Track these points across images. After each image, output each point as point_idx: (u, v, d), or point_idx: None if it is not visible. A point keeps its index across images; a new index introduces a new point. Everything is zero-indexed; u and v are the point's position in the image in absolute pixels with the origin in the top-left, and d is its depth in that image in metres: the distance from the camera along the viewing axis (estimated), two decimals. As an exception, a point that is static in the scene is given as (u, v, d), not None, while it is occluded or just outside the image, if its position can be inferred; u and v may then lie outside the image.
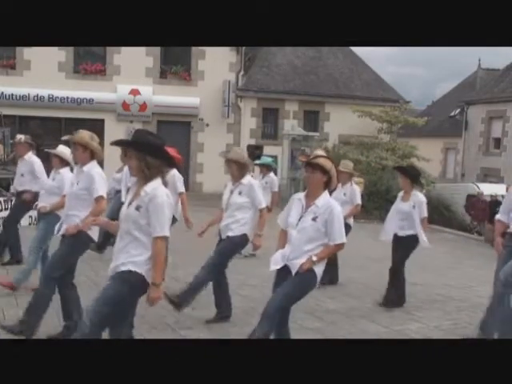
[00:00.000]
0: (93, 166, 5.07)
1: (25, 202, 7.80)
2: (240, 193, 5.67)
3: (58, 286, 5.19)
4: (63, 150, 6.48)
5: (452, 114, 26.80)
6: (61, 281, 5.14)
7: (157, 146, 3.65)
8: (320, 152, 4.71)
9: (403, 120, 20.50)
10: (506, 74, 25.12)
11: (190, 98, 18.97)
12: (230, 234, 5.67)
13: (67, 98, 18.02)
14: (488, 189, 17.45)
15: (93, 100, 18.23)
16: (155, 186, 3.58)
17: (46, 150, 6.68)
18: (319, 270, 4.37)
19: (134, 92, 18.51)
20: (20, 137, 7.94)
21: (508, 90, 23.65)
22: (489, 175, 23.82)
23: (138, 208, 3.56)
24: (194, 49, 18.88)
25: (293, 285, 4.33)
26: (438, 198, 16.64)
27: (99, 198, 4.99)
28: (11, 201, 8.38)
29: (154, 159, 3.58)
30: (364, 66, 22.37)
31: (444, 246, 11.83)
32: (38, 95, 17.76)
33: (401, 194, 6.95)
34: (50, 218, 6.17)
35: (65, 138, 5.27)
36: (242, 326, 5.67)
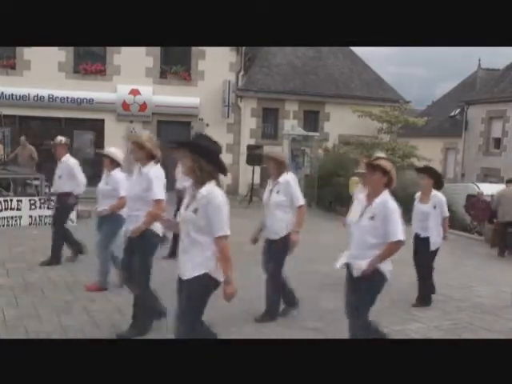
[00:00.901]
0: (151, 168, 5.19)
1: (69, 205, 8.05)
2: (278, 191, 5.73)
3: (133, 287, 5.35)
4: (114, 151, 6.71)
5: (452, 114, 26.81)
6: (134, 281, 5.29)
7: (212, 152, 3.81)
8: (380, 154, 4.92)
9: (403, 120, 20.49)
10: (506, 74, 25.12)
11: (190, 98, 18.96)
12: (276, 237, 5.76)
13: (67, 98, 18.00)
14: (488, 189, 17.42)
15: (93, 100, 18.22)
16: (210, 188, 3.74)
17: (98, 151, 6.93)
18: (385, 267, 4.45)
19: (134, 92, 18.50)
20: (60, 138, 8.11)
21: (508, 90, 23.65)
22: (489, 175, 23.81)
23: (195, 211, 3.74)
24: (194, 49, 18.87)
25: (362, 292, 4.49)
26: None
27: (157, 201, 5.13)
28: (50, 201, 8.45)
29: (207, 163, 3.73)
30: (364, 66, 22.36)
31: (444, 246, 11.79)
32: (37, 95, 17.74)
33: (418, 194, 6.99)
34: (111, 219, 6.47)
35: (124, 136, 5.41)
36: (242, 325, 5.67)
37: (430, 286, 7.08)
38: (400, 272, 8.24)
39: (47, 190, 13.13)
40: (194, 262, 3.77)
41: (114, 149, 6.85)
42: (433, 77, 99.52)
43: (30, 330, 5.29)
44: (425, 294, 6.98)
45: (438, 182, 6.86)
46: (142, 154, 5.16)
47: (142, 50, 18.09)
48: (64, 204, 7.96)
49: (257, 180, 17.44)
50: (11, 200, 11.31)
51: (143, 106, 18.64)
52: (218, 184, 3.80)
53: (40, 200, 11.53)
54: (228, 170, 4.00)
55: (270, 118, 20.54)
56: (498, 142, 24.27)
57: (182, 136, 18.42)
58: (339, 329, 5.82)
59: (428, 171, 6.98)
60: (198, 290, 3.82)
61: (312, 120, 20.79)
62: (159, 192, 5.15)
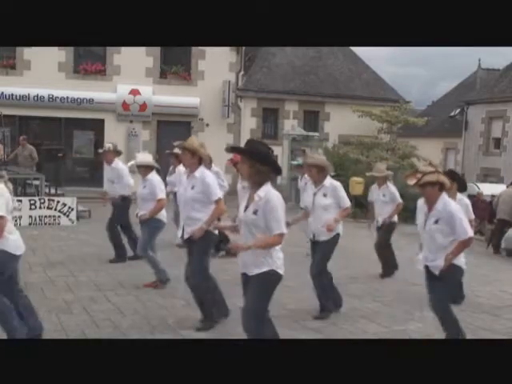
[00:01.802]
0: (204, 171, 5.45)
1: (121, 205, 8.26)
2: (325, 195, 5.99)
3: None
4: (143, 158, 7.05)
5: (452, 114, 26.76)
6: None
7: (265, 155, 4.06)
8: (424, 168, 5.24)
9: (403, 120, 20.48)
10: (506, 74, 25.10)
11: (190, 98, 18.96)
12: (325, 238, 5.98)
13: (67, 97, 18.00)
14: (488, 189, 17.42)
15: (93, 100, 18.22)
16: (267, 189, 3.98)
17: (132, 163, 7.18)
18: (459, 261, 4.95)
19: (134, 92, 18.50)
20: (109, 145, 8.38)
21: (508, 90, 23.63)
22: (489, 175, 23.79)
23: (255, 212, 3.97)
24: (194, 49, 18.86)
25: (444, 288, 4.94)
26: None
27: (218, 201, 5.40)
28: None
29: (262, 166, 3.97)
30: (364, 66, 22.35)
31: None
32: (38, 95, 17.74)
33: None
34: (151, 222, 6.80)
35: (176, 143, 5.64)
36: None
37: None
38: (400, 272, 8.27)
39: (47, 190, 13.18)
40: (259, 260, 3.99)
41: (142, 154, 7.25)
42: (433, 77, 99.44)
43: (30, 330, 5.28)
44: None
45: (461, 185, 6.91)
46: (194, 160, 5.38)
47: (142, 49, 18.08)
48: (115, 206, 8.29)
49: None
50: (11, 200, 11.30)
51: (143, 106, 18.64)
52: (274, 184, 4.05)
53: (40, 200, 11.53)
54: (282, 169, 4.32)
55: (269, 117, 20.54)
56: (498, 142, 24.25)
57: (182, 136, 18.42)
58: (339, 329, 5.83)
59: (450, 176, 6.98)
60: (264, 286, 4.04)
61: (312, 120, 20.79)
62: (218, 191, 5.43)
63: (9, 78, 17.63)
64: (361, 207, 13.98)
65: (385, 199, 8.09)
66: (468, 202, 7.10)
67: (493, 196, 15.54)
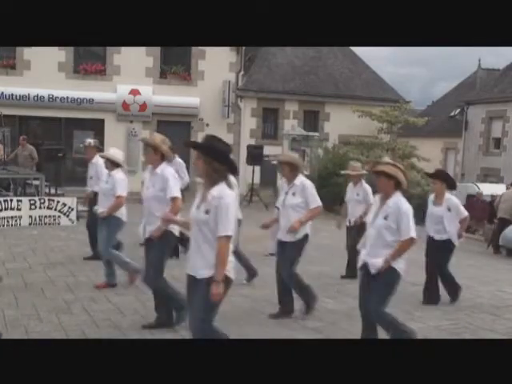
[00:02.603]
0: (165, 167, 5.32)
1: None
2: (294, 194, 5.83)
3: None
4: (114, 153, 6.89)
5: (452, 114, 26.78)
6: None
7: (224, 152, 3.89)
8: (386, 159, 5.17)
9: (403, 120, 20.48)
10: (506, 74, 25.11)
11: (190, 98, 18.96)
12: (292, 239, 5.82)
13: (67, 97, 18.00)
14: (488, 189, 17.44)
15: (93, 100, 18.22)
16: (221, 189, 3.81)
17: (100, 154, 7.06)
18: (399, 265, 4.68)
19: (134, 92, 18.50)
20: (89, 141, 8.33)
21: (508, 90, 23.64)
22: (489, 175, 23.79)
23: (207, 211, 3.80)
24: (194, 49, 18.86)
25: (377, 289, 4.70)
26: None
27: (174, 199, 5.25)
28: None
29: (220, 164, 3.81)
30: (364, 66, 22.35)
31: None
32: (38, 95, 17.74)
33: (431, 197, 7.06)
34: (110, 220, 6.66)
35: (138, 138, 5.53)
36: (242, 325, 5.67)
37: (454, 285, 7.19)
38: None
39: (47, 190, 13.18)
40: (208, 262, 3.82)
41: (114, 150, 7.02)
42: (433, 77, 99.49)
43: (29, 330, 5.29)
44: (453, 291, 7.15)
45: (450, 184, 6.96)
46: (157, 156, 5.27)
47: (142, 49, 18.08)
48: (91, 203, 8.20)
49: (257, 180, 17.43)
50: (11, 200, 11.31)
51: (143, 106, 18.64)
52: (229, 184, 3.87)
53: (40, 200, 11.53)
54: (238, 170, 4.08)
55: (269, 117, 20.54)
56: (498, 142, 24.25)
57: (182, 136, 18.43)
58: (339, 329, 5.83)
59: (439, 176, 7.03)
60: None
61: (312, 120, 20.79)
62: (175, 189, 5.29)
63: (9, 78, 17.63)
64: None
65: (358, 198, 8.00)
66: (457, 201, 7.03)
67: (493, 196, 15.58)
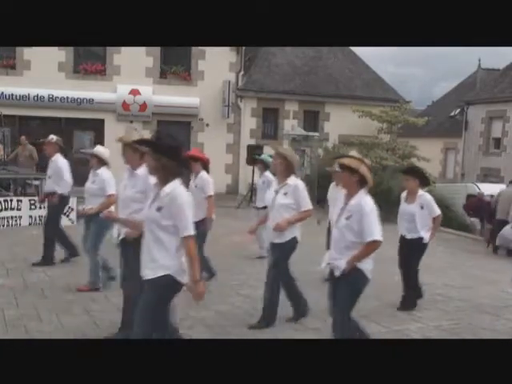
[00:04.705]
0: (146, 169, 5.04)
1: (56, 204, 7.99)
2: (285, 194, 5.57)
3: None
4: (101, 150, 6.71)
5: (452, 114, 26.76)
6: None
7: (173, 148, 3.73)
8: (353, 153, 4.80)
9: (403, 120, 20.48)
10: (506, 74, 25.10)
11: (190, 98, 18.96)
12: (279, 240, 5.59)
13: (67, 98, 18.00)
14: (488, 189, 17.42)
15: (93, 100, 18.22)
16: (174, 186, 3.67)
17: (82, 150, 6.87)
18: (365, 266, 4.42)
19: (134, 92, 18.50)
20: (52, 137, 8.04)
21: (508, 90, 23.64)
22: (489, 175, 23.79)
23: (159, 209, 3.66)
24: (194, 49, 18.87)
25: (342, 292, 4.45)
26: (438, 198, 16.58)
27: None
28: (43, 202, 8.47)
29: (170, 161, 3.67)
30: (364, 66, 22.35)
31: (444, 246, 11.82)
32: (38, 95, 17.74)
33: (404, 194, 6.79)
34: (98, 218, 6.23)
35: (117, 139, 5.25)
36: (242, 326, 5.67)
37: (415, 288, 6.83)
38: (400, 272, 8.26)
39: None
40: (157, 263, 3.69)
41: (102, 148, 6.84)
42: (433, 77, 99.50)
43: (30, 329, 5.29)
44: (409, 297, 6.75)
45: (423, 181, 6.68)
46: (136, 156, 4.98)
47: (142, 49, 18.09)
48: (51, 204, 8.00)
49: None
50: (11, 200, 11.31)
51: (143, 106, 18.64)
52: (183, 181, 3.75)
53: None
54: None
55: (269, 117, 20.53)
56: (498, 142, 24.25)
57: (182, 136, 18.44)
58: (339, 329, 5.82)
59: (410, 172, 6.79)
60: (159, 292, 3.73)
61: (312, 120, 20.79)
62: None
63: (9, 78, 17.63)
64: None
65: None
66: (430, 197, 6.71)
67: (491, 196, 15.58)
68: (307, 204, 5.62)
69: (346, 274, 4.38)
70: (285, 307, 5.93)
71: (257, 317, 5.86)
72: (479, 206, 15.70)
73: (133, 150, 4.94)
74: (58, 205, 7.95)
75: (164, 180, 3.71)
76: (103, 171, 6.54)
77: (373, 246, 4.34)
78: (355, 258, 4.35)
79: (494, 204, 13.39)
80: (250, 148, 17.75)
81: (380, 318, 6.24)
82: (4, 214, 11.06)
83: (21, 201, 11.33)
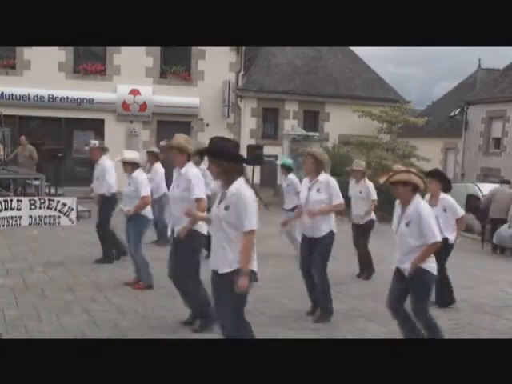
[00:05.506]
0: (189, 168, 5.41)
1: (101, 206, 8.21)
2: (318, 190, 5.91)
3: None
4: (129, 156, 7.01)
5: (452, 114, 26.75)
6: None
7: (231, 151, 4.04)
8: (398, 167, 5.28)
9: (403, 120, 20.48)
10: (506, 74, 25.09)
11: (190, 98, 18.96)
12: (319, 235, 5.90)
13: (67, 98, 18.00)
14: (488, 189, 17.42)
15: (93, 100, 18.21)
16: (238, 185, 3.97)
17: (118, 160, 7.07)
18: (428, 265, 4.79)
19: (134, 92, 18.50)
20: (94, 142, 8.37)
21: (508, 90, 23.63)
22: (489, 175, 23.77)
23: (226, 208, 3.96)
24: (194, 49, 18.86)
25: (414, 291, 4.87)
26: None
27: (198, 200, 5.33)
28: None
29: (230, 164, 3.98)
30: (364, 66, 22.35)
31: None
32: (38, 95, 17.73)
33: (427, 198, 6.82)
34: (136, 219, 6.76)
35: (162, 143, 5.57)
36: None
37: (448, 290, 6.94)
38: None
39: (47, 190, 13.20)
40: (230, 257, 3.96)
41: (128, 152, 7.18)
42: (433, 77, 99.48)
43: (29, 329, 5.29)
44: (446, 297, 6.94)
45: (446, 185, 6.81)
46: (183, 157, 5.38)
47: (142, 49, 18.08)
48: (99, 206, 8.25)
49: (257, 180, 17.42)
50: (11, 200, 11.31)
51: (143, 106, 18.64)
52: (246, 179, 4.03)
53: (40, 200, 11.53)
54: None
55: (269, 117, 20.53)
56: (498, 142, 24.23)
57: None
58: (339, 329, 5.83)
59: (436, 175, 6.86)
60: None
61: (312, 120, 20.79)
62: (198, 190, 5.34)
63: (9, 78, 17.62)
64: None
65: (361, 196, 8.13)
66: (453, 200, 6.82)
67: (482, 196, 15.58)
68: (340, 198, 5.99)
69: (415, 276, 4.75)
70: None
71: (257, 317, 5.87)
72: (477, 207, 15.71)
73: (179, 151, 5.36)
74: (103, 206, 8.17)
75: (228, 181, 4.00)
76: (138, 174, 6.87)
77: (433, 247, 4.75)
78: (419, 259, 4.73)
79: (486, 203, 13.30)
80: (250, 148, 17.74)
81: (380, 318, 6.24)
82: (4, 214, 11.05)
83: (21, 201, 11.33)
